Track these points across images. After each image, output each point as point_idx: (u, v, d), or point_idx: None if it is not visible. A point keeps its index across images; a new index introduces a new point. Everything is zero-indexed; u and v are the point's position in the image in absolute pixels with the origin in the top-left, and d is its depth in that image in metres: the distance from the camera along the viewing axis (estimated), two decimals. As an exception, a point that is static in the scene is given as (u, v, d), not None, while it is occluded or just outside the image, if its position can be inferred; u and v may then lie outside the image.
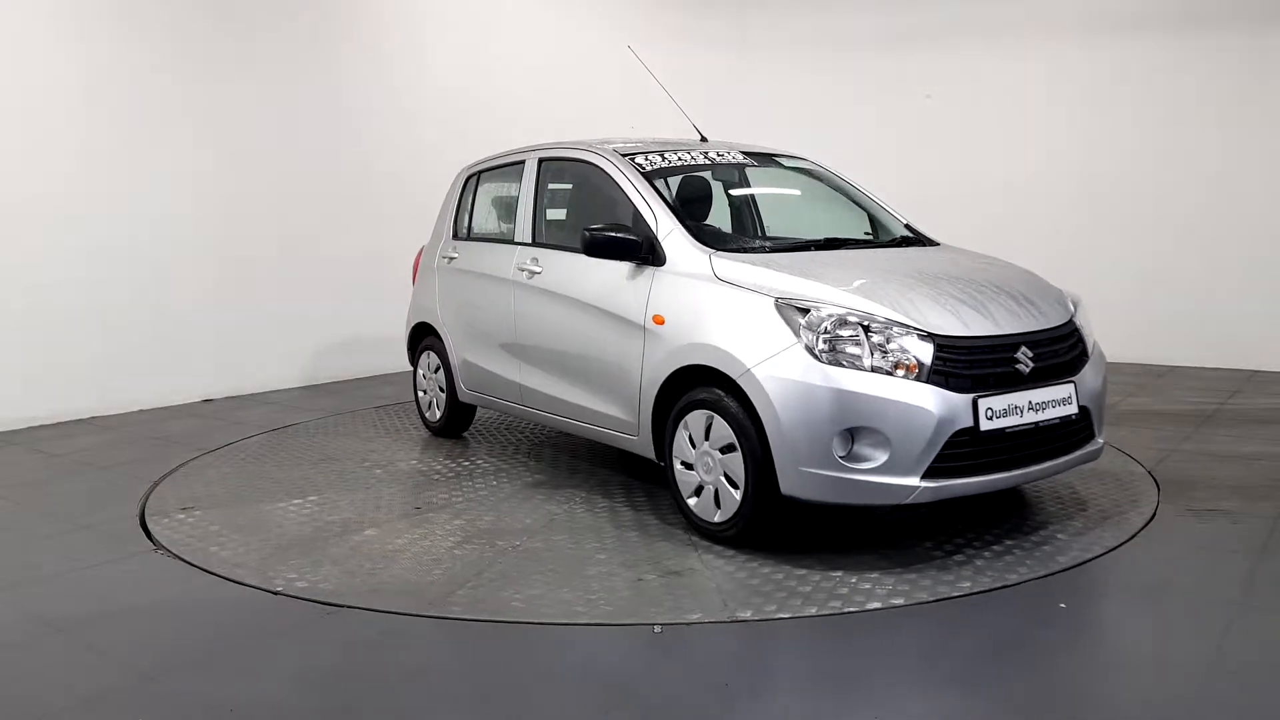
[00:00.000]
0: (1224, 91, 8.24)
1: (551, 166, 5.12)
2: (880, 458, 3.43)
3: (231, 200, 7.18)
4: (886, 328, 3.52)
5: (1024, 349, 3.70)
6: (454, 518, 4.27)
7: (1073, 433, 3.88)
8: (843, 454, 3.46)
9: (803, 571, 3.57)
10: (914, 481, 3.44)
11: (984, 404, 3.52)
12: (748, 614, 3.22)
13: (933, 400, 3.44)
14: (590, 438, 4.68)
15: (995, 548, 3.79)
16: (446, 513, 4.35)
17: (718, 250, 4.05)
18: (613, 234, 4.20)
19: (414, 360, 6.10)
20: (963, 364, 3.55)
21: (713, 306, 3.85)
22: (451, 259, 5.65)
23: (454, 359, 5.56)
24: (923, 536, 3.93)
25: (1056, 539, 3.89)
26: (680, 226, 4.18)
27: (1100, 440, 4.10)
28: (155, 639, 3.14)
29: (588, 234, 4.22)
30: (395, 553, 3.83)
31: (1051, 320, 3.93)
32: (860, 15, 9.73)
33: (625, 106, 8.20)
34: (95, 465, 5.29)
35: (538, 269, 4.82)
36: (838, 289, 3.69)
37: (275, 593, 3.44)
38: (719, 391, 3.76)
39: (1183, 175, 8.41)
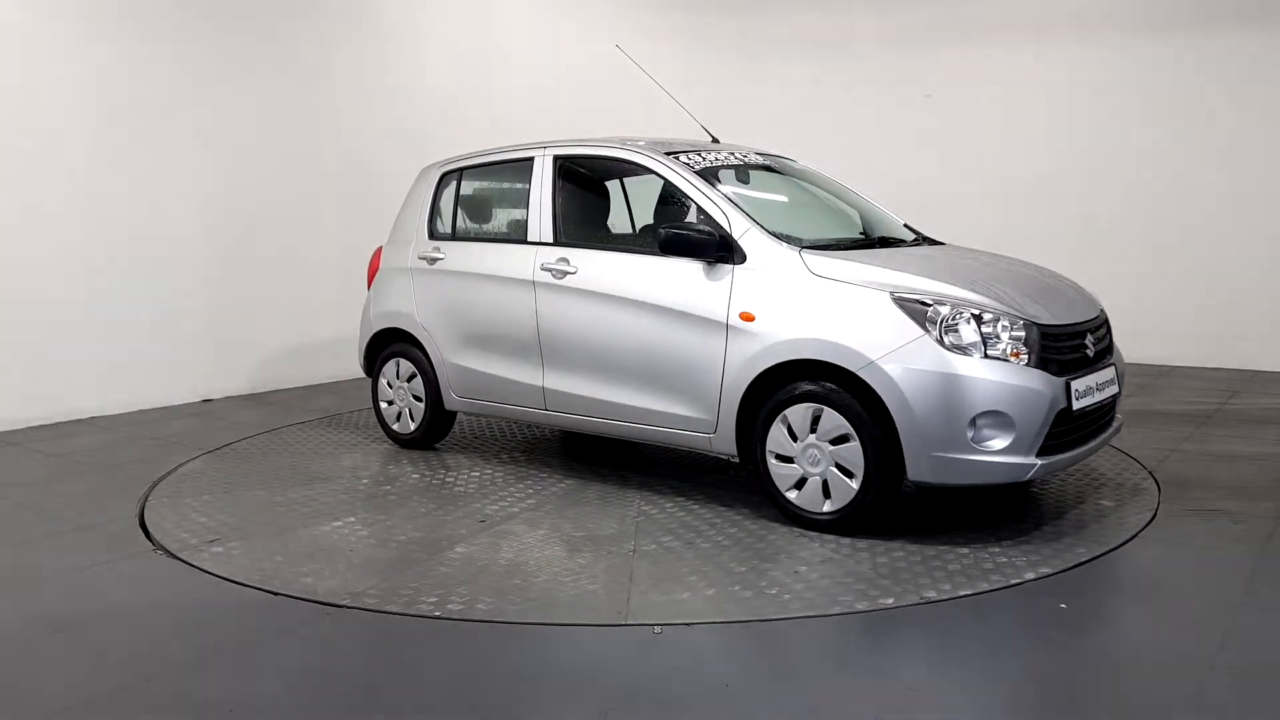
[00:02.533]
0: (1224, 92, 8.24)
1: (572, 165, 5.01)
2: (1005, 439, 3.67)
3: (231, 200, 7.17)
4: (998, 318, 3.77)
5: (1089, 335, 4.09)
6: (533, 528, 4.12)
7: (1109, 411, 4.24)
8: (970, 438, 3.66)
9: (934, 551, 3.76)
10: (1032, 459, 3.72)
11: (1074, 385, 3.85)
12: (933, 594, 3.35)
13: (1044, 384, 3.73)
14: (644, 439, 4.58)
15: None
16: (520, 524, 4.19)
17: (804, 247, 4.15)
18: (692, 232, 4.22)
19: (373, 369, 5.76)
20: (1055, 350, 3.87)
21: (818, 302, 3.93)
22: (435, 260, 5.36)
23: (441, 365, 5.29)
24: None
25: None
26: (756, 224, 4.22)
27: (1120, 418, 4.46)
28: (155, 639, 3.13)
29: (664, 232, 4.25)
30: (517, 567, 3.66)
31: (1096, 310, 4.36)
32: (860, 15, 9.73)
33: (625, 106, 8.20)
34: (95, 465, 5.29)
35: (570, 269, 4.69)
36: (944, 283, 3.89)
37: (454, 619, 3.22)
38: (831, 384, 3.86)
39: (1183, 175, 8.41)
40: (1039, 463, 3.73)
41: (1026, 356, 3.74)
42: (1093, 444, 4.08)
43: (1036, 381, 3.72)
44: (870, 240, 4.75)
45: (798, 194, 5.17)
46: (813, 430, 3.93)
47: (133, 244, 6.65)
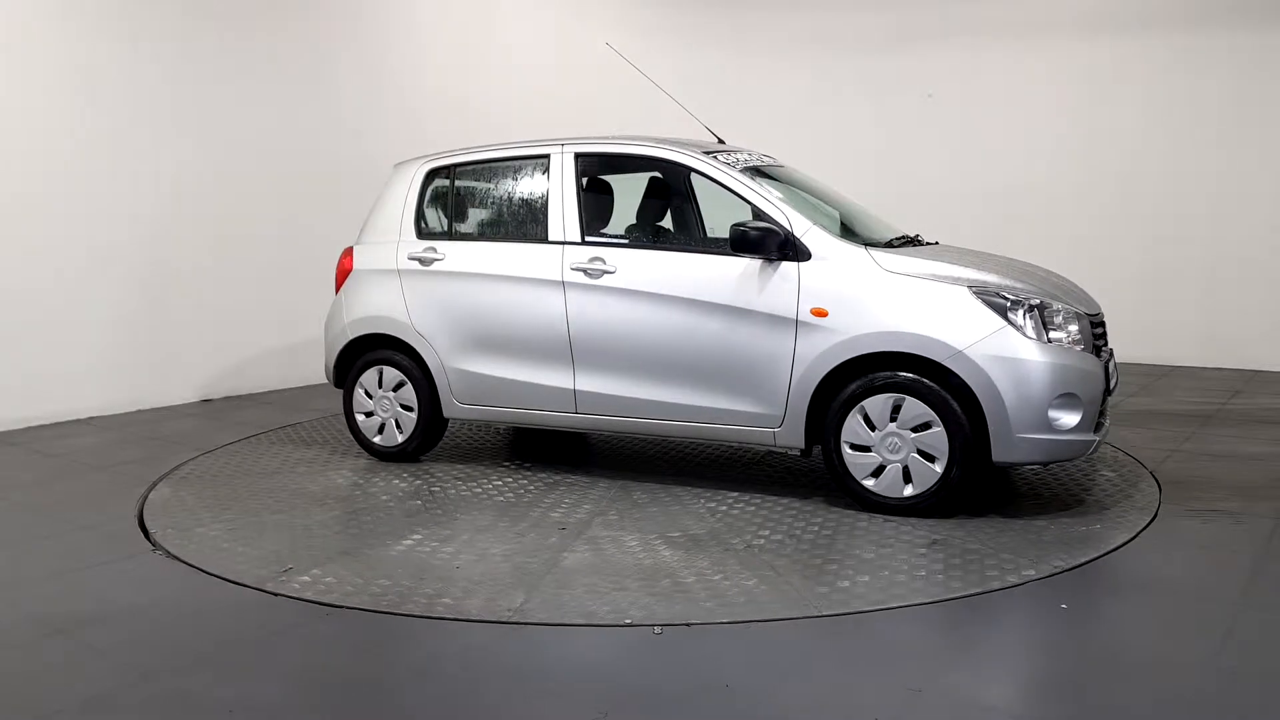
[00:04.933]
0: (1224, 91, 8.24)
1: (597, 163, 4.99)
2: (1075, 418, 4.04)
3: (230, 200, 7.17)
4: (1059, 309, 4.14)
5: (1102, 325, 4.48)
6: (622, 532, 4.06)
7: None
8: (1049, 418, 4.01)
9: (1021, 523, 4.09)
10: (1092, 435, 4.15)
11: (1108, 368, 4.28)
12: (1060, 563, 3.64)
13: (1096, 366, 4.18)
14: (697, 436, 4.63)
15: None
16: (602, 529, 4.10)
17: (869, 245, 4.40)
18: (762, 230, 4.30)
19: (346, 379, 5.39)
20: (1093, 337, 4.28)
21: (898, 297, 4.14)
22: (432, 261, 5.13)
23: (441, 371, 5.06)
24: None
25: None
26: (815, 224, 4.38)
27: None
28: (155, 639, 3.13)
29: (738, 230, 4.33)
30: (653, 569, 3.61)
31: (1096, 303, 4.65)
32: (860, 15, 9.74)
33: (620, 106, 8.20)
34: (95, 465, 5.28)
35: (608, 268, 4.65)
36: (1004, 278, 4.22)
37: (626, 623, 3.14)
38: (913, 374, 4.08)
39: (1183, 175, 8.42)
40: (1096, 438, 4.16)
41: (1081, 343, 4.13)
42: (1108, 421, 4.49)
43: (1092, 365, 4.15)
44: (901, 240, 4.79)
45: (788, 195, 5.18)
46: (892, 419, 4.11)
47: (132, 244, 6.64)
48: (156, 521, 4.26)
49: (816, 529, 4.05)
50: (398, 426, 5.26)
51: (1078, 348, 4.12)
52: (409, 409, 5.21)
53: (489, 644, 3.04)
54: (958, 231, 6.47)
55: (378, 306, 5.26)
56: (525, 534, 4.07)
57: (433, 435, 5.28)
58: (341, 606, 3.31)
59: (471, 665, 2.91)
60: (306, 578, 3.59)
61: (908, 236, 4.85)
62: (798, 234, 4.32)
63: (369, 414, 5.33)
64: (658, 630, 3.10)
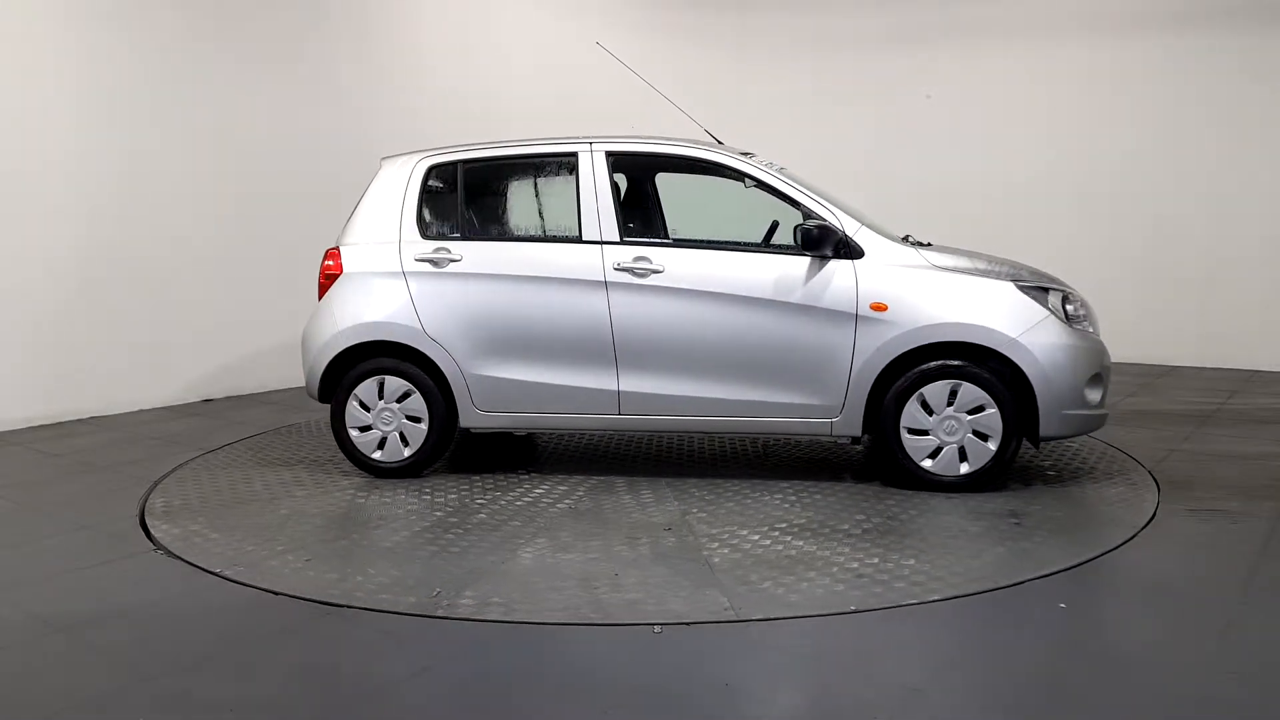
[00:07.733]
0: (1223, 91, 8.25)
1: (629, 162, 5.04)
2: (1098, 394, 4.55)
3: (231, 200, 7.18)
4: (1077, 299, 4.62)
5: None
6: (733, 528, 4.06)
7: None
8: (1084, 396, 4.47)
9: (1073, 492, 4.55)
10: (1106, 410, 4.65)
11: None
12: (1145, 523, 4.08)
13: (1105, 348, 4.64)
14: (749, 431, 4.75)
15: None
16: (707, 524, 4.12)
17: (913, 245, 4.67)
18: (824, 229, 4.50)
19: (334, 392, 4.96)
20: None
21: (952, 292, 4.47)
22: (448, 262, 4.85)
23: (460, 378, 4.81)
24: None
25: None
26: (863, 224, 4.61)
27: None
28: (155, 639, 3.13)
29: (802, 229, 4.52)
30: (810, 560, 3.67)
31: None
32: (860, 15, 9.74)
33: (623, 107, 8.19)
34: (95, 465, 5.29)
35: (655, 267, 4.64)
36: (1031, 273, 4.66)
37: (851, 610, 3.23)
38: (968, 363, 4.43)
39: (1182, 175, 8.42)
40: (1108, 412, 4.69)
41: (1094, 328, 4.65)
42: None
43: (1104, 347, 4.63)
44: (912, 239, 4.88)
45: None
46: (949, 404, 4.44)
47: (133, 243, 6.65)
48: (215, 560, 3.79)
49: (901, 512, 4.26)
50: (403, 440, 4.92)
51: (1090, 330, 4.59)
52: (416, 420, 4.90)
53: (489, 643, 3.05)
54: (957, 231, 6.47)
55: (379, 312, 4.88)
56: (637, 537, 3.99)
57: (441, 447, 4.96)
58: (538, 624, 3.18)
59: (471, 665, 2.92)
60: (467, 600, 3.37)
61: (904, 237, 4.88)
62: (849, 233, 4.55)
63: (365, 428, 4.95)
64: (658, 629, 3.11)
